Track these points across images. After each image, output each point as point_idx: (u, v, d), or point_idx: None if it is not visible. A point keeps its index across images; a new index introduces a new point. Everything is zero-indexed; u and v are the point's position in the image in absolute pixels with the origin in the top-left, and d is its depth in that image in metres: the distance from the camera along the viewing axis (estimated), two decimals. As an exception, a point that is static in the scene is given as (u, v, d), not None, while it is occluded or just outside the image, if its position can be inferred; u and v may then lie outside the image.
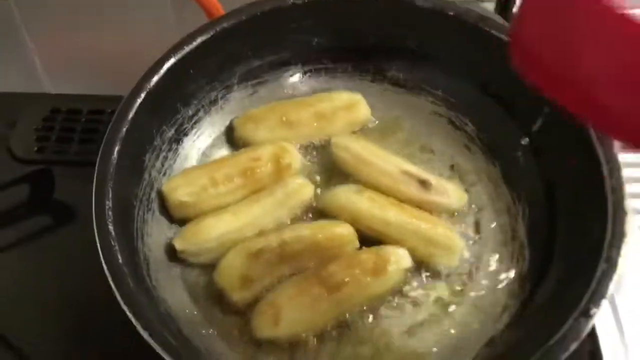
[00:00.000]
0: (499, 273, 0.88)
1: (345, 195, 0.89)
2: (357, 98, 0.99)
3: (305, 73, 1.04)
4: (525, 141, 0.93)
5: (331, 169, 0.95)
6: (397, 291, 0.85)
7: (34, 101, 1.17)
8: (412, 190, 0.91)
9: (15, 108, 1.15)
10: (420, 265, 0.87)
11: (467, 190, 0.94)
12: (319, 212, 0.91)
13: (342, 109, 0.98)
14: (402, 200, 0.90)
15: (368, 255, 0.84)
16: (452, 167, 0.97)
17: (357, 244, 0.87)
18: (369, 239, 0.88)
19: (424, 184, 0.91)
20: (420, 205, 0.91)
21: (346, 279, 0.81)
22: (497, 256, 0.90)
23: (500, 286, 0.87)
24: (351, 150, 0.93)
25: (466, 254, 0.89)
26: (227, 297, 0.83)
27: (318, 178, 0.96)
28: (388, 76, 1.04)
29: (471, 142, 0.99)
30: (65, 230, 1.03)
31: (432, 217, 0.90)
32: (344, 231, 0.86)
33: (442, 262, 0.87)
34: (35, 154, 1.09)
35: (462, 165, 0.97)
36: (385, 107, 1.03)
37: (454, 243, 0.88)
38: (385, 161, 0.92)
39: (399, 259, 0.84)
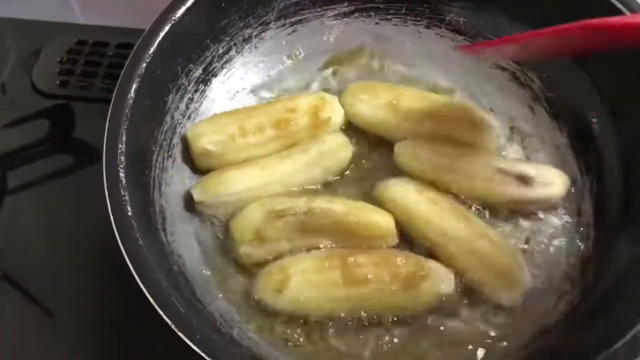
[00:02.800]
0: (559, 252, 0.78)
1: (402, 192, 0.78)
2: (492, 123, 0.82)
3: (352, 13, 0.92)
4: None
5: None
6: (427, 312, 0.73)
7: (61, 31, 1.10)
8: (512, 190, 0.77)
9: (41, 38, 1.08)
10: (470, 292, 0.74)
11: (527, 158, 0.83)
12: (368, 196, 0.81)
13: (467, 122, 0.82)
14: (502, 203, 0.78)
15: (405, 260, 0.73)
16: (512, 129, 0.86)
17: (394, 240, 0.76)
18: (417, 247, 0.77)
19: (524, 179, 0.77)
20: (524, 205, 0.79)
21: (370, 276, 0.71)
22: (557, 233, 0.79)
23: (559, 267, 0.77)
24: (423, 157, 0.80)
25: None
26: (235, 250, 0.75)
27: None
28: (446, 20, 0.91)
29: (536, 102, 0.87)
30: (85, 170, 0.97)
31: (500, 241, 0.76)
32: (383, 221, 0.76)
33: (498, 295, 0.74)
34: (58, 88, 1.02)
35: (524, 128, 0.87)
36: (440, 58, 0.91)
37: (519, 277, 0.73)
38: (469, 162, 0.79)
39: (440, 280, 0.72)
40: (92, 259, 0.88)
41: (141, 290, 0.62)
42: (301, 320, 0.73)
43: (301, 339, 0.73)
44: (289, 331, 0.73)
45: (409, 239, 0.77)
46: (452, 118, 0.83)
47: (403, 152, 0.82)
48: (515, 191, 0.78)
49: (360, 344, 0.72)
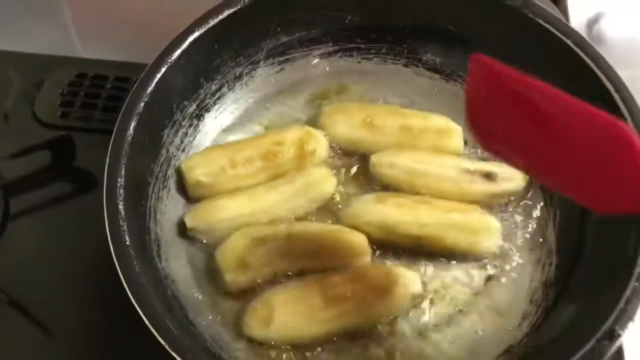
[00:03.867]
0: (523, 278, 0.84)
1: (369, 209, 0.84)
2: (454, 128, 0.91)
3: (336, 52, 0.99)
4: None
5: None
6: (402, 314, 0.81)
7: (61, 64, 1.16)
8: (479, 187, 0.86)
9: (43, 70, 1.14)
10: (466, 256, 0.84)
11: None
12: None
13: (434, 131, 0.91)
14: (470, 200, 0.86)
15: (377, 272, 0.80)
16: (483, 161, 0.92)
17: (368, 258, 0.83)
18: (403, 249, 0.84)
19: (488, 176, 0.86)
20: (491, 199, 0.87)
21: (348, 294, 0.77)
22: (522, 260, 0.85)
23: (523, 292, 0.83)
24: (399, 165, 0.87)
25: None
26: (221, 277, 0.80)
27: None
28: (423, 60, 0.98)
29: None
30: (85, 198, 1.02)
31: (462, 205, 0.85)
32: (356, 240, 0.82)
33: (485, 246, 0.83)
34: (59, 119, 1.08)
35: (493, 161, 0.92)
36: (418, 93, 0.98)
37: (491, 225, 0.83)
38: (441, 165, 0.87)
39: (409, 282, 0.80)
40: (90, 281, 0.92)
41: (135, 308, 0.67)
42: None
43: (286, 357, 0.78)
44: (274, 353, 0.78)
45: (393, 246, 0.84)
46: (422, 128, 0.91)
47: (379, 162, 0.88)
48: (483, 188, 0.86)
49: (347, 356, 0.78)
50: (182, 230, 0.85)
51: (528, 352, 0.76)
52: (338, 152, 0.93)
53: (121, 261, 0.70)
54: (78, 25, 1.26)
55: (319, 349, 0.78)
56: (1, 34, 1.20)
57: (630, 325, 0.66)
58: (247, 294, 0.81)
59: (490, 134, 0.66)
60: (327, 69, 0.99)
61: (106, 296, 0.89)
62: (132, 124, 0.78)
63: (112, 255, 0.71)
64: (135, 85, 0.81)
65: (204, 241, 0.85)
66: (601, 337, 0.65)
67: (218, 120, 0.95)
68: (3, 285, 0.90)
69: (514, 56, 0.88)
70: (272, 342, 0.77)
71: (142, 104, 0.80)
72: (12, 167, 1.01)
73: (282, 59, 0.97)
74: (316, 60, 0.99)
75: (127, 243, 0.71)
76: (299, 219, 0.87)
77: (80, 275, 0.94)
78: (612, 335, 0.65)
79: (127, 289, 0.68)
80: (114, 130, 0.78)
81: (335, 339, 0.79)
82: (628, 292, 0.68)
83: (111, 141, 0.77)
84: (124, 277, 0.68)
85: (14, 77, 1.14)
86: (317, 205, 0.88)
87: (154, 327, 0.65)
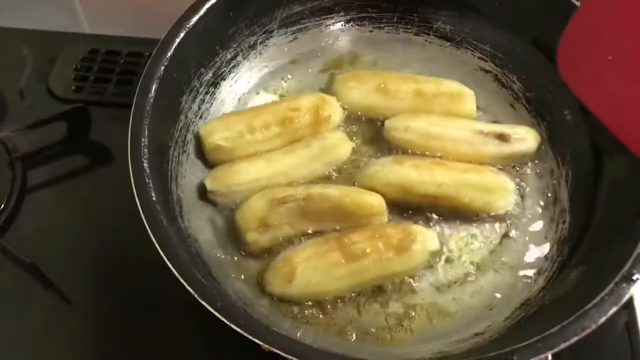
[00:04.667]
0: (538, 236, 0.86)
1: (387, 170, 0.85)
2: (467, 92, 0.93)
3: (348, 22, 1.01)
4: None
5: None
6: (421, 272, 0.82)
7: (74, 41, 1.17)
8: (493, 148, 0.88)
9: (56, 47, 1.15)
10: (482, 215, 0.86)
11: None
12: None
13: (447, 95, 0.92)
14: (484, 161, 0.88)
15: (395, 230, 0.81)
16: (496, 123, 0.93)
17: (385, 218, 0.84)
18: (420, 209, 0.86)
19: (502, 137, 0.88)
20: (504, 160, 0.88)
21: (367, 250, 0.79)
22: (536, 218, 0.87)
23: (537, 249, 0.85)
24: (414, 129, 0.89)
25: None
26: (242, 237, 0.82)
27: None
28: (434, 28, 1.00)
29: (517, 101, 0.96)
30: (100, 171, 1.04)
31: (477, 166, 0.87)
32: (374, 201, 0.83)
33: (500, 205, 0.85)
34: (73, 93, 1.09)
35: (505, 123, 0.93)
36: (429, 61, 0.99)
37: (505, 184, 0.85)
38: (455, 128, 0.89)
39: (427, 239, 0.81)
40: (107, 251, 0.94)
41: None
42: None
43: (308, 313, 0.79)
44: (296, 309, 0.79)
45: (408, 206, 0.86)
46: (435, 93, 0.92)
47: (394, 126, 0.90)
48: (496, 149, 0.88)
49: (367, 312, 0.80)
50: (203, 193, 0.86)
51: (545, 304, 0.78)
52: (352, 118, 0.94)
53: (149, 216, 0.71)
54: (85, 5, 1.27)
55: (340, 304, 0.80)
56: (12, 11, 1.20)
57: (646, 271, 0.68)
58: (268, 253, 0.83)
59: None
60: (340, 38, 1.01)
61: (121, 268, 0.93)
62: (154, 87, 0.80)
63: (134, 220, 0.71)
64: (155, 49, 0.82)
65: (224, 203, 0.86)
66: (620, 280, 0.67)
67: (234, 89, 0.96)
68: (24, 255, 0.91)
69: (524, 20, 0.92)
70: (295, 298, 0.79)
71: (162, 68, 0.82)
72: (29, 140, 1.02)
73: (294, 28, 0.99)
74: (329, 30, 1.01)
75: (154, 199, 0.72)
76: (316, 182, 0.88)
77: (96, 245, 0.95)
78: (631, 279, 0.67)
79: (155, 241, 0.69)
80: (136, 92, 0.79)
81: (355, 294, 0.80)
82: (644, 240, 0.70)
83: (134, 102, 0.79)
84: (151, 231, 0.69)
85: (28, 54, 1.15)
86: (333, 169, 0.89)
87: (183, 278, 0.66)
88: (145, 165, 0.75)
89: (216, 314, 0.65)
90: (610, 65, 0.63)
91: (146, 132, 0.77)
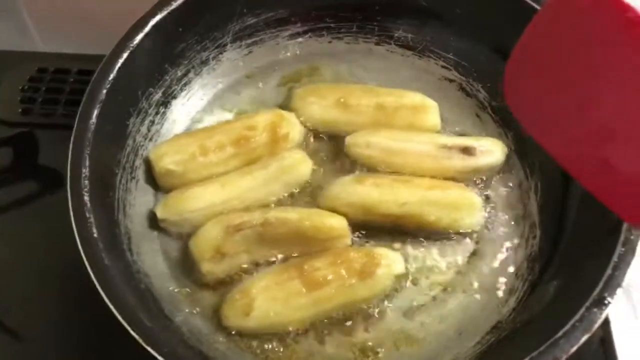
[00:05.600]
0: (507, 253, 0.82)
1: (349, 190, 0.81)
2: (430, 104, 0.89)
3: (305, 33, 0.96)
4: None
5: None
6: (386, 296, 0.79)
7: (21, 59, 1.12)
8: (458, 162, 0.84)
9: (2, 66, 1.10)
10: (449, 233, 0.82)
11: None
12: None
13: (409, 108, 0.88)
14: (450, 176, 0.84)
15: (358, 254, 0.77)
16: (461, 136, 0.90)
17: (348, 240, 0.80)
18: (384, 229, 0.82)
19: (467, 150, 0.84)
20: (471, 174, 0.85)
21: (329, 277, 0.75)
22: (506, 234, 0.83)
23: (508, 267, 0.81)
24: (375, 145, 0.85)
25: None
26: (197, 268, 0.77)
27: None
28: (395, 37, 0.96)
29: (482, 110, 0.92)
30: (51, 196, 0.98)
31: (442, 182, 0.83)
32: (335, 223, 0.79)
33: (467, 222, 0.81)
34: (20, 116, 1.04)
35: (471, 134, 0.90)
36: (391, 72, 0.95)
37: (472, 201, 0.82)
38: (418, 142, 0.85)
39: (391, 263, 0.77)
40: (59, 283, 0.89)
41: (109, 310, 0.63)
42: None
43: (268, 347, 0.75)
44: (255, 343, 0.75)
45: (371, 226, 0.82)
46: (397, 106, 0.88)
47: (355, 142, 0.86)
48: (461, 163, 0.84)
49: (331, 343, 0.76)
50: (154, 222, 0.81)
51: (516, 328, 0.74)
52: (312, 134, 0.90)
53: (89, 254, 0.66)
54: (36, 20, 1.22)
55: (302, 336, 0.76)
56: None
57: (619, 291, 0.65)
58: (225, 284, 0.78)
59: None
60: (298, 50, 0.97)
61: (77, 299, 0.87)
62: (95, 112, 0.75)
63: (79, 252, 0.67)
64: (96, 72, 0.78)
65: (178, 232, 0.81)
66: (591, 305, 0.64)
67: (186, 107, 0.91)
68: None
69: (486, 27, 0.89)
70: (253, 332, 0.75)
71: (105, 91, 0.77)
72: (-28, 168, 0.97)
73: (249, 41, 0.94)
74: (285, 42, 0.96)
75: (95, 235, 0.68)
76: (276, 204, 0.84)
77: (49, 278, 0.90)
78: (602, 303, 0.64)
79: (96, 283, 0.64)
80: (77, 119, 0.75)
81: (317, 324, 0.76)
82: (615, 258, 0.67)
83: (74, 130, 0.74)
84: (92, 271, 0.65)
85: (-28, 75, 1.09)
86: (293, 190, 0.85)
87: (126, 321, 0.62)
88: (86, 198, 0.70)
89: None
90: (557, 96, 0.59)
91: (87, 162, 0.72)
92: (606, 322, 0.85)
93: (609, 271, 0.66)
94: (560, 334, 0.62)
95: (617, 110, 0.55)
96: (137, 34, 0.81)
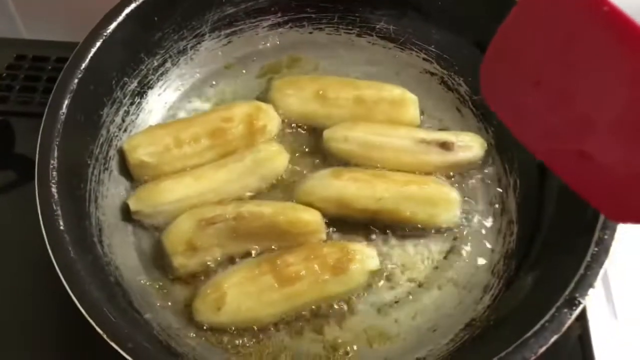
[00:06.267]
0: (485, 250, 0.81)
1: (325, 185, 0.80)
2: (410, 98, 0.87)
3: (286, 23, 0.95)
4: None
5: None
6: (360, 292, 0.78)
7: (0, 46, 1.09)
8: (436, 157, 0.83)
9: (-22, 53, 1.08)
10: (425, 229, 0.81)
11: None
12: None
13: (388, 102, 0.87)
14: (428, 171, 0.83)
15: (332, 249, 0.76)
16: (440, 130, 0.89)
17: (323, 235, 0.79)
18: (360, 224, 0.81)
19: (445, 145, 0.83)
20: (449, 169, 0.84)
21: (302, 272, 0.74)
22: (483, 231, 0.83)
23: (484, 264, 0.81)
24: (353, 139, 0.83)
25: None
26: (169, 262, 0.76)
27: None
28: (377, 28, 0.95)
29: (463, 105, 0.91)
30: (26, 186, 0.96)
31: (420, 177, 0.82)
32: (310, 218, 0.78)
33: (444, 218, 0.80)
34: (-3, 104, 1.02)
35: (452, 128, 0.89)
36: (373, 64, 0.94)
37: (449, 196, 0.81)
38: (396, 137, 0.84)
39: (365, 258, 0.76)
40: (32, 275, 0.87)
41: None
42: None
43: (239, 342, 0.74)
44: (226, 338, 0.74)
45: (348, 220, 0.81)
46: (376, 99, 0.87)
47: (333, 136, 0.85)
48: (440, 158, 0.83)
49: (303, 339, 0.75)
50: (127, 214, 0.80)
51: (490, 325, 0.74)
52: (290, 127, 0.89)
53: (55, 247, 0.65)
54: (19, 7, 1.20)
55: (273, 331, 0.75)
56: None
57: (591, 292, 0.64)
58: (197, 278, 0.77)
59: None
60: (278, 41, 0.95)
61: (50, 291, 0.86)
62: (65, 102, 0.74)
63: (46, 243, 0.66)
64: (68, 61, 0.76)
65: (151, 225, 0.80)
66: (561, 305, 0.63)
67: (162, 98, 0.90)
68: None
69: (467, 20, 0.87)
70: (224, 327, 0.74)
71: (76, 81, 0.75)
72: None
73: (228, 31, 0.92)
74: (265, 32, 0.95)
75: (62, 228, 0.67)
76: (251, 197, 0.83)
77: (23, 269, 0.88)
78: (573, 303, 0.63)
79: (60, 275, 0.63)
80: (46, 109, 0.73)
81: (290, 320, 0.75)
82: (588, 258, 0.66)
83: (43, 120, 0.72)
84: (57, 263, 0.64)
85: (-52, 62, 1.07)
86: (269, 183, 0.84)
87: (90, 316, 0.61)
88: (54, 190, 0.69)
89: (126, 355, 0.59)
90: (534, 89, 0.58)
91: (55, 153, 0.71)
92: (584, 320, 0.84)
93: (581, 271, 0.65)
94: (529, 334, 0.62)
95: (594, 101, 0.54)
96: (110, 22, 0.79)
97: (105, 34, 0.78)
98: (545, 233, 0.77)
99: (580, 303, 0.63)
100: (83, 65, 0.76)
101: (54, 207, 0.68)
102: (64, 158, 0.72)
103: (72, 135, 0.74)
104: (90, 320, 0.61)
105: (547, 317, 0.62)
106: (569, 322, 0.62)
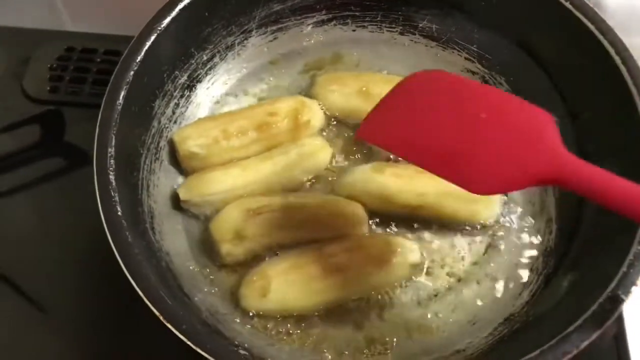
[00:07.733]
0: (523, 247, 0.83)
1: (367, 179, 0.82)
2: None
3: (330, 20, 0.97)
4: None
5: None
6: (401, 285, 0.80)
7: (50, 38, 1.13)
8: None
9: (31, 45, 1.11)
10: (465, 225, 0.83)
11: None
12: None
13: None
14: None
15: (375, 241, 0.79)
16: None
17: (366, 227, 0.81)
18: (401, 218, 0.83)
19: None
20: None
21: (346, 263, 0.76)
22: (523, 229, 0.84)
23: (523, 260, 0.82)
24: None
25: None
26: (217, 249, 0.79)
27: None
28: (419, 27, 0.96)
29: (504, 104, 0.92)
30: (76, 174, 1.00)
31: None
32: (353, 210, 0.80)
33: (485, 215, 0.82)
34: (48, 94, 1.05)
35: (492, 128, 0.90)
36: (414, 62, 0.95)
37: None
38: None
39: (407, 251, 0.78)
40: (83, 258, 0.91)
41: (130, 286, 0.65)
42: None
43: (283, 329, 0.77)
44: (271, 324, 0.77)
45: (390, 216, 0.83)
46: None
47: None
48: None
49: (344, 329, 0.77)
50: (176, 202, 0.83)
51: (529, 321, 0.75)
52: (333, 122, 0.91)
53: (113, 232, 0.68)
54: (67, 2, 1.23)
55: (316, 319, 0.77)
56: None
57: (634, 289, 0.65)
58: (243, 265, 0.80)
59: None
60: (321, 38, 0.97)
61: (101, 274, 0.89)
62: (122, 94, 0.76)
63: (104, 229, 0.69)
64: (124, 54, 0.79)
65: (199, 213, 0.83)
66: (604, 302, 0.64)
67: (210, 91, 0.93)
68: (-3, 262, 0.88)
69: (509, 20, 0.89)
70: (269, 313, 0.76)
71: (132, 73, 0.78)
72: (1, 144, 0.99)
73: (274, 27, 0.95)
74: (310, 29, 0.96)
75: (119, 214, 0.69)
76: (295, 190, 0.85)
77: (74, 253, 0.92)
78: (616, 300, 0.64)
79: (119, 259, 0.66)
80: (104, 100, 0.76)
81: (332, 310, 0.77)
82: (631, 256, 0.67)
83: (100, 111, 0.75)
84: (115, 248, 0.67)
85: (1, 52, 1.11)
86: (312, 176, 0.86)
87: (147, 298, 0.64)
88: (112, 177, 0.71)
89: (181, 336, 0.62)
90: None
91: (113, 142, 0.73)
92: (620, 320, 0.85)
93: (623, 269, 0.66)
94: (571, 328, 0.63)
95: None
96: (165, 17, 0.81)
97: (159, 28, 0.81)
98: (586, 231, 0.78)
99: (623, 300, 0.64)
100: (138, 58, 0.78)
101: (112, 194, 0.70)
102: (120, 147, 0.74)
103: (127, 126, 0.76)
104: (147, 302, 0.64)
105: (589, 313, 0.64)
106: (612, 318, 0.63)
